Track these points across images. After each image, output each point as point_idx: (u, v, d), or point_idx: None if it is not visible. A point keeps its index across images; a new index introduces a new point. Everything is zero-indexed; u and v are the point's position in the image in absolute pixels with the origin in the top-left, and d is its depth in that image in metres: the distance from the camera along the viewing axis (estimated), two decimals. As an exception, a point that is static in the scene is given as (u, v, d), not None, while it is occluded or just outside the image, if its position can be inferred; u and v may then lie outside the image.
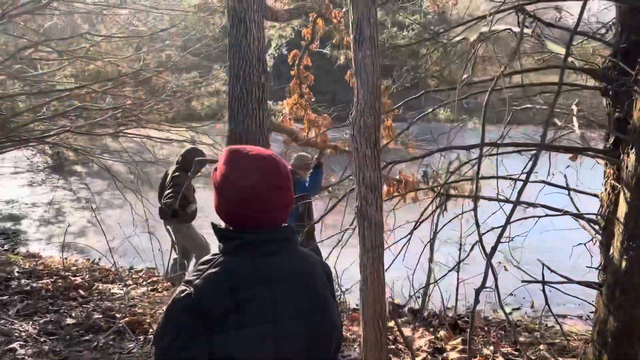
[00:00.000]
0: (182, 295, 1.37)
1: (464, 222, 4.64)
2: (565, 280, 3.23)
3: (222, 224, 1.52)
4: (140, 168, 9.05)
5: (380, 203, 2.52)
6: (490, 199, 3.77)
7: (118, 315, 4.25)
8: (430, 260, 4.47)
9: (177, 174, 6.05)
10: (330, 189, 6.45)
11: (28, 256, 7.65)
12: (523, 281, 3.26)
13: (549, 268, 3.22)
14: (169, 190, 5.92)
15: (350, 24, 2.43)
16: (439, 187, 4.02)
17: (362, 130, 2.45)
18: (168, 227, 5.99)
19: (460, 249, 5.14)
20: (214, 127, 9.95)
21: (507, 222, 2.62)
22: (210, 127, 9.84)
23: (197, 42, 9.42)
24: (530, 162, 2.67)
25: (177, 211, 5.70)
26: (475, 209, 2.82)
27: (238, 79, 4.36)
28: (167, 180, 6.13)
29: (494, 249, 2.53)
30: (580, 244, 4.01)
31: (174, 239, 5.99)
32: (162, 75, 9.22)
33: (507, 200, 3.52)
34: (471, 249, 3.87)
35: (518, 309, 6.48)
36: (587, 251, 3.92)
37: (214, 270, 1.39)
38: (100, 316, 4.19)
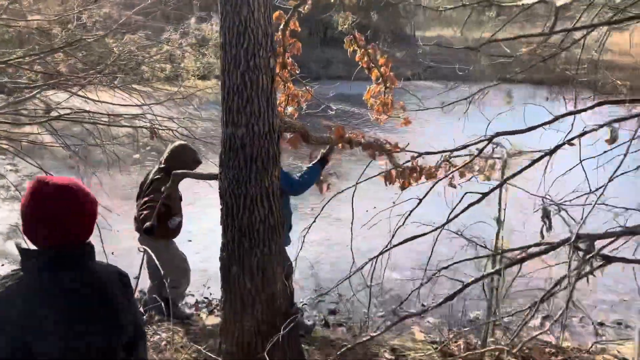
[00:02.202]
0: None
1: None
2: None
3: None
4: (81, 150, 7.48)
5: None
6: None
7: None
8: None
9: (158, 176, 4.64)
10: (329, 185, 5.18)
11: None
12: None
13: None
14: (146, 199, 4.52)
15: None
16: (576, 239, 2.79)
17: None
18: (143, 244, 4.44)
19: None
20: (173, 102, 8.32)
21: None
22: (167, 96, 8.24)
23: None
24: None
25: (153, 227, 4.31)
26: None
27: (237, 62, 2.99)
28: (147, 184, 4.71)
29: None
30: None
31: (145, 259, 4.42)
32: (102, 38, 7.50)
33: None
34: None
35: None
36: None
37: (11, 283, 1.68)
38: None
